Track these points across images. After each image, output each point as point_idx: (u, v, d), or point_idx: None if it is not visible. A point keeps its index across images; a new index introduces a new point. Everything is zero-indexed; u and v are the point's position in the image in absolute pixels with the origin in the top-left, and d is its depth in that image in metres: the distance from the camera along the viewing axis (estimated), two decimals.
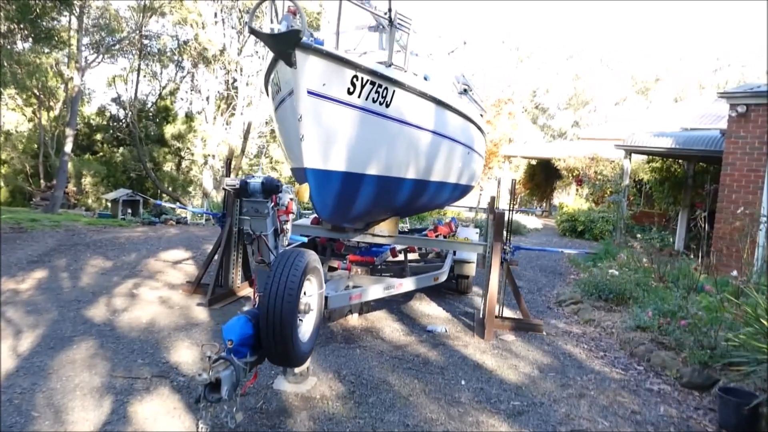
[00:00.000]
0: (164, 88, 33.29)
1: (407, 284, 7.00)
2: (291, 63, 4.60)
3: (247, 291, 8.17)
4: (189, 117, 32.76)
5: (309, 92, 4.83)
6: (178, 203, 28.74)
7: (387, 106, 5.53)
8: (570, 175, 22.16)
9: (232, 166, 26.76)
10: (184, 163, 33.29)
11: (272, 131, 29.63)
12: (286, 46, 4.42)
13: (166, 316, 6.84)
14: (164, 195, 29.72)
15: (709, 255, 11.27)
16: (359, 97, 5.21)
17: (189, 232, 14.14)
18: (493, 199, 13.03)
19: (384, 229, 7.50)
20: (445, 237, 9.43)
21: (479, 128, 8.26)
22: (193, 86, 33.18)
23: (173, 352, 5.63)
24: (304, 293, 4.15)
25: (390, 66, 5.45)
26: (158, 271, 9.21)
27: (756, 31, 57.80)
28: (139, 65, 28.43)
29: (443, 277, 7.64)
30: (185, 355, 5.55)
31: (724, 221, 11.70)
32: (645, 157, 16.92)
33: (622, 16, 70.93)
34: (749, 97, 11.19)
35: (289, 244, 4.58)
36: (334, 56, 4.84)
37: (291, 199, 4.42)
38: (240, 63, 27.11)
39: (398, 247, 8.64)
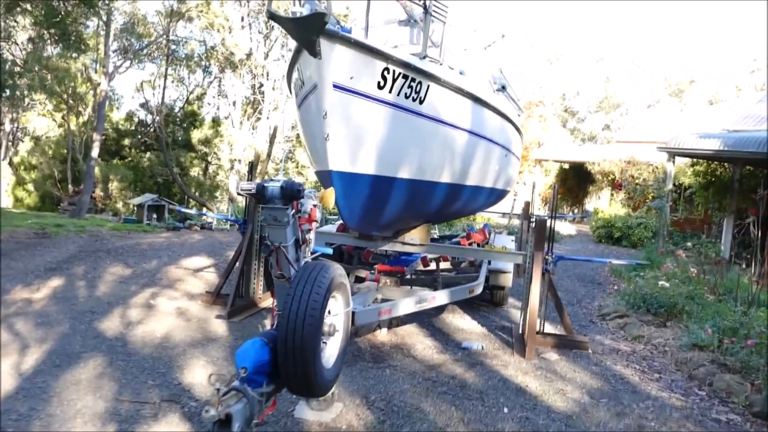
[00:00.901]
0: (191, 93, 33.33)
1: (440, 297, 6.45)
2: (315, 53, 4.11)
3: (269, 302, 7.71)
4: (216, 122, 32.74)
5: (335, 86, 4.34)
6: (202, 209, 28.67)
7: (421, 102, 5.01)
8: (605, 179, 21.33)
9: (258, 171, 26.57)
10: (211, 168, 33.26)
11: (298, 135, 29.39)
12: (309, 32, 3.94)
13: (182, 330, 6.40)
14: (191, 200, 29.68)
15: (764, 264, 10.49)
16: (390, 92, 4.71)
17: (213, 237, 13.79)
18: (527, 204, 12.45)
19: (415, 237, 6.97)
20: (479, 245, 8.87)
21: (517, 128, 7.69)
22: (219, 91, 33.18)
23: (187, 371, 5.18)
24: (329, 312, 3.64)
25: (424, 58, 4.93)
26: (178, 279, 8.82)
27: None
28: (166, 70, 28.40)
29: (479, 289, 7.07)
30: (200, 375, 5.09)
31: None
32: (687, 160, 16.08)
33: (654, 16, 69.33)
34: None
35: (312, 255, 4.07)
36: (364, 46, 4.35)
37: (314, 206, 3.92)
38: (266, 67, 26.91)
39: (429, 256, 8.09)
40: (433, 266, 8.21)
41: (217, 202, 31.43)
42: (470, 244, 8.88)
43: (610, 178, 20.91)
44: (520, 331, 6.97)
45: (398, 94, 4.77)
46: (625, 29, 63.30)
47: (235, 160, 28.17)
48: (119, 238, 12.50)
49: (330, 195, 4.14)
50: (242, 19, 26.42)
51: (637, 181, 17.73)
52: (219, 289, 7.55)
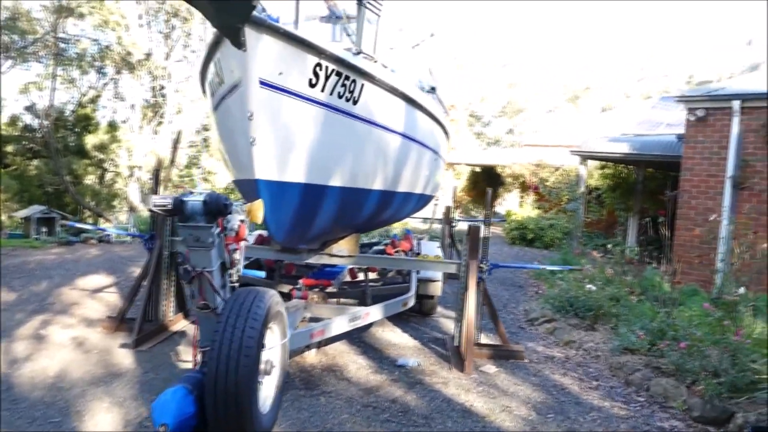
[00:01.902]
0: (84, 95, 30.93)
1: (374, 313, 6.02)
2: (240, 43, 3.55)
3: (182, 324, 6.96)
4: (113, 126, 30.51)
5: (262, 83, 3.79)
6: (99, 219, 26.67)
7: (354, 103, 4.56)
8: (516, 181, 21.79)
9: (161, 178, 25.00)
10: (108, 176, 31.01)
11: (204, 140, 28.06)
12: (234, 18, 3.37)
13: (80, 365, 5.56)
14: (86, 210, 27.51)
15: (669, 262, 10.90)
16: (323, 90, 4.22)
17: (112, 252, 12.63)
18: (448, 209, 12.29)
19: (343, 248, 6.50)
20: (405, 253, 8.53)
21: (445, 131, 7.40)
22: (116, 93, 31.09)
23: (88, 418, 4.41)
24: (263, 346, 3.10)
25: (358, 54, 4.48)
26: (73, 303, 7.83)
27: (676, 43, 60.50)
28: (55, 70, 26.17)
29: (412, 302, 6.72)
30: (103, 422, 4.35)
31: (684, 228, 11.37)
32: (596, 163, 16.64)
33: (554, 25, 72.82)
34: (708, 101, 10.90)
35: (238, 281, 3.48)
36: (295, 38, 3.83)
37: (242, 222, 3.35)
38: (168, 69, 25.47)
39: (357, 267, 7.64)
40: (361, 277, 7.76)
41: (116, 212, 29.34)
42: (396, 252, 8.52)
43: (520, 181, 21.37)
44: (455, 344, 6.66)
45: (331, 94, 4.29)
46: (528, 36, 65.94)
47: (135, 166, 26.42)
48: (2, 256, 11.12)
49: (259, 208, 3.59)
50: (140, 17, 24.86)
51: (548, 183, 18.17)
52: (123, 313, 6.71)
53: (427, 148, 6.47)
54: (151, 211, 3.02)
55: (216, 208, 3.00)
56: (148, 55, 25.15)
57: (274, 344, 3.26)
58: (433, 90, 7.11)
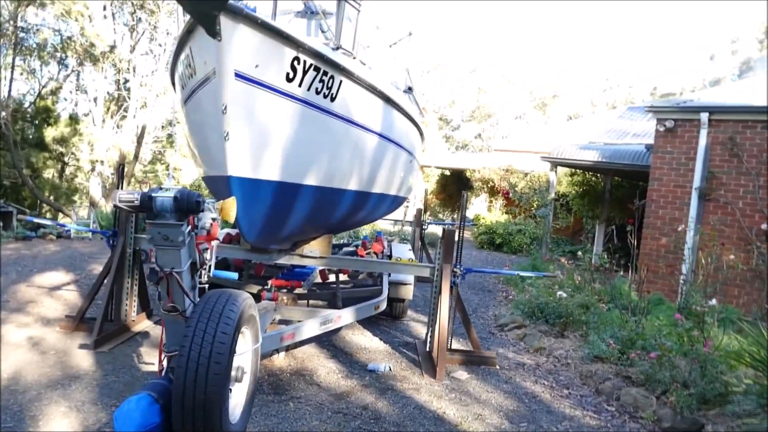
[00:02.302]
0: (44, 87, 29.96)
1: (346, 316, 5.88)
2: (215, 32, 3.37)
3: (145, 325, 6.70)
4: (74, 119, 29.64)
5: (238, 75, 3.62)
6: (58, 214, 25.88)
7: (332, 99, 4.41)
8: (485, 186, 21.89)
9: (125, 173, 24.33)
10: (69, 170, 30.09)
11: (170, 136, 27.45)
12: (209, 5, 3.19)
13: (36, 366, 5.27)
14: (44, 204, 26.63)
15: (636, 271, 11.03)
16: (300, 85, 4.06)
17: (72, 248, 12.17)
18: (419, 211, 12.23)
19: (315, 249, 6.33)
20: (377, 255, 8.41)
21: (421, 133, 7.31)
22: (78, 86, 30.20)
23: (43, 423, 4.16)
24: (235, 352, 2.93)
25: (337, 49, 4.34)
26: (30, 300, 7.48)
27: (640, 55, 61.87)
28: (14, 60, 25.28)
29: (384, 305, 6.60)
30: (59, 427, 4.10)
31: (650, 237, 11.52)
32: (566, 170, 16.80)
33: (523, 31, 73.73)
34: (678, 112, 11.08)
35: (207, 283, 3.29)
36: (272, 28, 3.67)
37: (214, 220, 3.17)
38: (133, 62, 24.84)
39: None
40: (331, 279, 7.60)
41: (76, 207, 28.48)
42: (367, 254, 8.40)
43: (489, 185, 21.48)
44: (427, 349, 6.57)
45: (308, 89, 4.15)
46: (496, 42, 66.55)
47: (97, 161, 25.67)
48: None
49: (231, 206, 3.42)
50: (104, 8, 24.19)
51: (519, 188, 18.28)
52: (83, 312, 6.41)
53: (402, 149, 6.37)
54: (116, 206, 2.82)
55: (187, 205, 2.82)
56: (113, 48, 24.49)
57: (245, 349, 3.09)
58: (409, 90, 7.01)
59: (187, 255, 2.96)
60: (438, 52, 56.30)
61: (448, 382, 5.83)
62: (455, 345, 6.89)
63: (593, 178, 16.02)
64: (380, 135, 5.43)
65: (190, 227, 2.94)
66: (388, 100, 5.37)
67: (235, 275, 3.60)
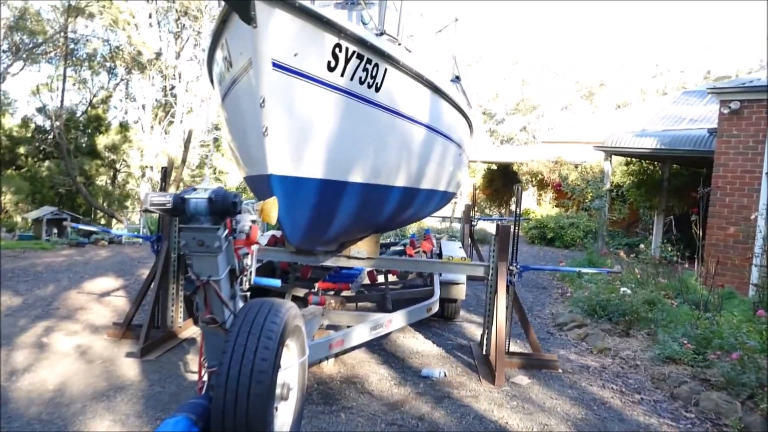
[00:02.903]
0: (95, 96, 30.77)
1: (397, 320, 5.57)
2: (249, 18, 3.11)
3: (192, 331, 6.56)
4: (124, 126, 30.39)
5: (276, 65, 3.36)
6: (112, 220, 26.48)
7: (377, 90, 4.11)
8: (533, 179, 21.24)
9: (173, 178, 24.78)
10: (120, 176, 30.86)
11: (215, 140, 27.77)
12: None
13: (82, 377, 5.16)
14: (98, 211, 27.33)
15: (702, 263, 10.35)
16: (343, 75, 3.77)
17: (123, 253, 12.29)
18: (468, 207, 11.82)
19: (362, 249, 6.05)
20: (427, 254, 8.08)
21: (470, 124, 6.93)
22: (127, 94, 30.95)
23: None
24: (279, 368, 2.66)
25: (381, 35, 4.03)
26: (79, 307, 7.46)
27: (692, 39, 59.54)
28: (65, 71, 25.97)
29: (436, 307, 6.27)
30: None
31: (717, 227, 10.81)
32: (620, 159, 16.07)
33: (565, 20, 71.94)
34: (743, 93, 10.35)
35: (250, 290, 3.03)
36: (311, 13, 3.39)
37: (253, 222, 2.91)
38: (178, 68, 25.20)
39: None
40: (380, 280, 7.31)
41: (128, 212, 29.15)
42: (417, 252, 8.08)
43: (538, 179, 20.83)
44: (483, 352, 6.20)
45: (351, 79, 3.85)
46: (539, 32, 65.16)
47: (147, 167, 26.20)
48: (10, 258, 10.81)
49: (272, 206, 3.15)
50: (150, 16, 24.62)
51: (574, 180, 17.60)
52: (130, 319, 6.31)
53: (451, 141, 6.01)
54: (147, 210, 2.59)
55: (223, 207, 2.56)
56: (158, 55, 24.92)
57: (291, 364, 2.83)
58: (457, 79, 6.65)
59: (225, 261, 2.70)
60: (480, 44, 55.45)
61: (508, 388, 5.46)
62: (513, 347, 6.50)
63: (650, 167, 15.24)
64: (428, 127, 5.09)
65: (227, 231, 2.69)
66: (435, 89, 5.03)
67: (278, 282, 3.31)
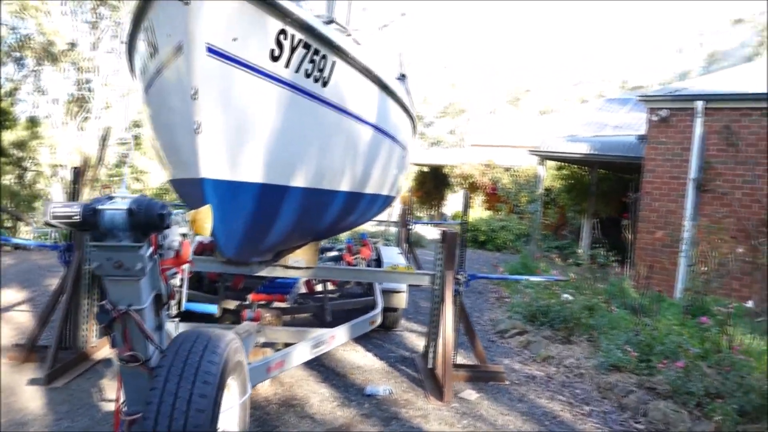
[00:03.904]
0: (1, 88, 28.47)
1: (340, 336, 5.16)
2: None
3: (107, 351, 5.87)
4: (33, 122, 28.25)
5: (211, 50, 2.88)
6: (17, 223, 24.57)
7: (324, 84, 3.69)
8: (465, 182, 21.32)
9: (88, 178, 23.27)
10: (29, 175, 28.70)
11: (135, 137, 26.35)
12: None
13: None
14: (3, 213, 25.26)
15: (632, 266, 10.55)
16: (288, 66, 3.33)
17: (30, 261, 11.20)
18: (405, 211, 11.54)
19: (300, 258, 5.59)
20: (365, 260, 7.72)
21: (414, 125, 6.61)
22: (37, 87, 28.84)
23: None
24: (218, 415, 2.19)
25: (330, 23, 3.61)
26: None
27: (610, 49, 62.40)
28: None
29: (380, 319, 5.90)
30: None
31: (645, 231, 11.06)
32: (551, 163, 16.30)
33: (494, 27, 73.68)
34: (671, 101, 10.62)
35: (178, 316, 2.54)
36: None
37: (184, 237, 2.43)
38: (95, 60, 23.68)
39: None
40: (318, 288, 6.86)
41: (37, 214, 27.13)
42: (355, 259, 7.70)
43: (469, 181, 20.92)
44: (429, 365, 5.89)
45: (297, 71, 3.41)
46: (468, 37, 66.32)
47: (59, 165, 24.46)
48: None
49: (206, 216, 2.67)
50: (63, 3, 22.99)
51: (507, 184, 17.71)
52: (34, 339, 5.55)
53: (397, 143, 5.67)
54: (49, 224, 2.05)
55: (147, 220, 2.05)
56: (73, 45, 23.32)
57: (231, 403, 2.37)
58: (403, 77, 6.31)
59: (149, 286, 2.20)
60: (409, 47, 55.68)
61: (457, 404, 5.18)
62: (458, 358, 6.23)
63: (579, 171, 15.55)
64: (375, 127, 4.72)
65: (152, 249, 2.19)
66: (383, 87, 4.66)
67: (214, 308, 2.79)
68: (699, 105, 10.16)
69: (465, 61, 57.24)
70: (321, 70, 3.58)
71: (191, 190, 3.47)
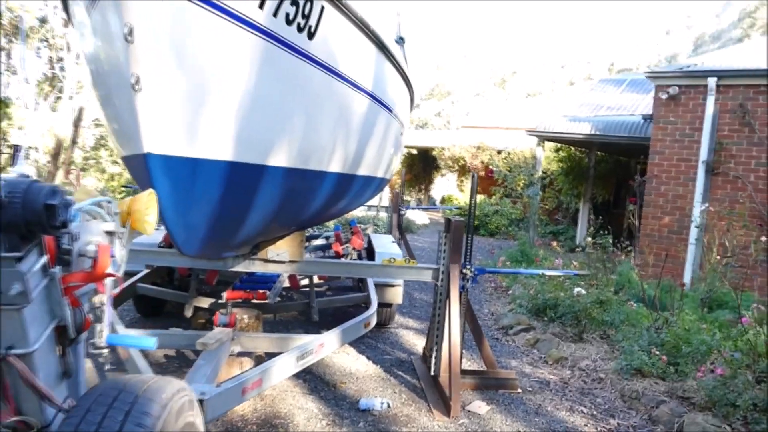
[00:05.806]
0: None
1: (330, 343, 4.40)
2: None
3: None
4: (4, 102, 27.09)
5: None
6: None
7: (310, 35, 2.88)
8: (455, 164, 20.58)
9: (61, 161, 22.34)
10: (1, 158, 27.58)
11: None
12: None
13: None
14: None
15: (641, 254, 9.92)
16: (262, 7, 2.52)
17: None
18: (397, 195, 10.76)
19: (284, 250, 4.80)
20: (356, 251, 6.96)
21: (412, 97, 5.81)
22: (8, 66, 27.61)
23: None
24: None
25: None
26: None
27: (597, 31, 61.83)
28: None
29: (375, 320, 5.15)
30: None
31: (651, 216, 10.41)
32: (550, 145, 15.61)
33: (481, 8, 72.67)
34: (681, 78, 9.91)
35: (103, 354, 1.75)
36: None
37: (109, 236, 1.64)
38: (67, 37, 22.58)
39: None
40: (304, 281, 6.06)
41: None
42: (345, 248, 6.94)
43: (460, 164, 20.18)
44: (431, 372, 5.17)
45: (275, 15, 2.60)
46: (455, 18, 65.34)
47: (31, 147, 23.43)
48: None
49: (148, 206, 1.90)
50: None
51: (502, 166, 16.98)
52: None
53: (395, 117, 4.87)
54: None
55: (27, 214, 1.27)
56: (43, 22, 22.18)
57: None
58: (401, 41, 5.50)
59: (43, 316, 1.41)
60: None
61: (466, 420, 4.47)
62: (466, 365, 5.53)
63: (578, 153, 14.86)
64: (371, 96, 3.91)
65: (46, 258, 1.40)
66: (382, 46, 3.85)
67: (152, 343, 1.94)
68: (711, 82, 9.46)
69: (450, 43, 56.38)
70: (306, 17, 2.76)
71: (138, 170, 2.67)
